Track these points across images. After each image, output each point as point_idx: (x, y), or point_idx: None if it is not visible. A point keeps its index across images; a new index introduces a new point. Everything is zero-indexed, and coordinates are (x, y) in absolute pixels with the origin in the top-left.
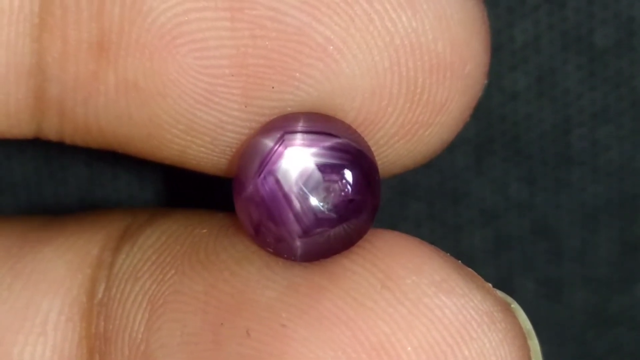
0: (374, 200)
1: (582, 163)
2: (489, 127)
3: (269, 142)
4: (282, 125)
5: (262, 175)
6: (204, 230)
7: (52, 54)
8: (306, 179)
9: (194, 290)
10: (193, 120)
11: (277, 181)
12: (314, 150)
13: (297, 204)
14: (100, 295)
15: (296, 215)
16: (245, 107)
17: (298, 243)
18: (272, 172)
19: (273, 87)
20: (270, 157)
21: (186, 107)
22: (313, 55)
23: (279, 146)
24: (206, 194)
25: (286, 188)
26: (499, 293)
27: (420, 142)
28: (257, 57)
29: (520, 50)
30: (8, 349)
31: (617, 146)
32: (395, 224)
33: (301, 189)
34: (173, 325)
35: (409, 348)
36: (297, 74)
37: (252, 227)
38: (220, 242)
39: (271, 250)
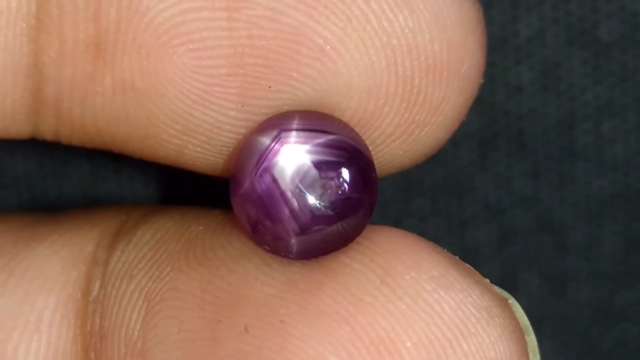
0: (371, 198)
1: (586, 157)
2: (493, 122)
3: (265, 140)
4: (278, 123)
5: (258, 173)
6: (200, 228)
7: (49, 54)
8: (302, 176)
9: (191, 287)
10: (190, 120)
11: (274, 179)
12: (310, 147)
13: (293, 202)
14: (95, 293)
15: (293, 213)
16: (242, 106)
17: (294, 240)
18: (268, 170)
19: (270, 87)
20: (267, 155)
21: (183, 107)
22: (310, 55)
23: (275, 144)
24: (208, 191)
25: (282, 186)
26: (497, 289)
27: (416, 142)
28: (254, 57)
29: (524, 44)
30: (2, 346)
31: (622, 140)
32: (400, 220)
33: (297, 187)
34: (170, 322)
35: (409, 343)
36: (294, 74)
37: (249, 225)
38: (217, 239)
39: (268, 248)
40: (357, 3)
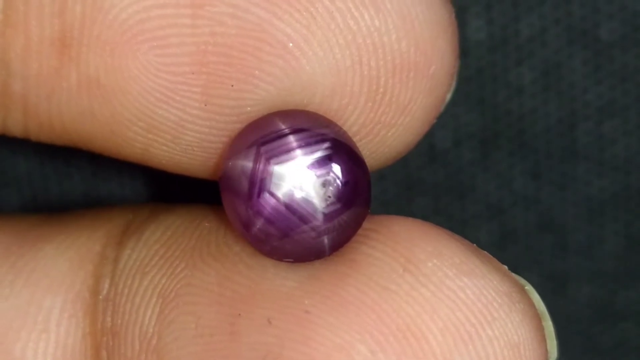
0: (365, 175)
1: (587, 157)
2: (494, 122)
3: (247, 162)
4: (256, 134)
5: (258, 197)
6: (211, 225)
7: (15, 49)
8: (302, 183)
9: (207, 282)
10: (154, 118)
11: (275, 197)
12: (296, 152)
13: (304, 211)
14: (105, 291)
15: (305, 221)
16: (205, 105)
17: (319, 241)
18: (266, 190)
19: (232, 86)
20: (258, 175)
21: (147, 104)
22: (273, 53)
23: (261, 162)
24: (210, 191)
25: (287, 200)
26: (514, 275)
27: (382, 143)
28: (217, 55)
29: (525, 44)
30: (10, 346)
31: (623, 140)
32: None
33: (301, 195)
34: (187, 317)
35: (435, 329)
36: (257, 72)
37: (266, 247)
38: (230, 235)
39: (291, 260)
40: (322, 1)
